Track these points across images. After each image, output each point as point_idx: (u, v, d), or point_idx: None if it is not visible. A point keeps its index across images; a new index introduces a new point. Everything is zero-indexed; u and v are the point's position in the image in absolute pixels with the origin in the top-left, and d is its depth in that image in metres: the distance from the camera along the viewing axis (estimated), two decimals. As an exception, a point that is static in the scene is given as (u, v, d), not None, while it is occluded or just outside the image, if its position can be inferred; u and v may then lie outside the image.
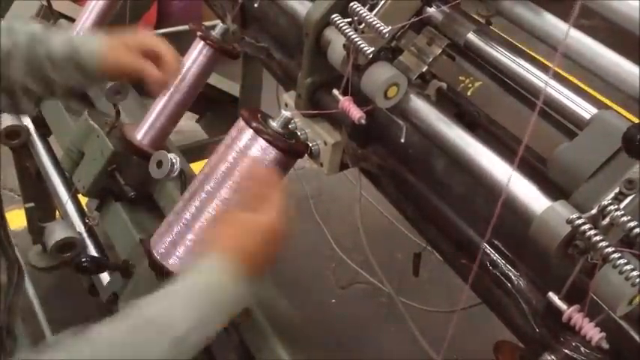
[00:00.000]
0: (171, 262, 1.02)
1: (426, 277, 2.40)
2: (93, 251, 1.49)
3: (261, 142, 1.00)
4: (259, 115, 1.04)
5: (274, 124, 1.03)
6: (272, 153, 1.01)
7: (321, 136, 1.27)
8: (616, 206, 0.69)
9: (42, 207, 2.07)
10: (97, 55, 1.05)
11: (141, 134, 1.42)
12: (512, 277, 0.94)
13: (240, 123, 1.02)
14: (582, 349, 0.82)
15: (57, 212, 2.03)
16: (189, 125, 3.13)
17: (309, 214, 2.24)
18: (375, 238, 1.69)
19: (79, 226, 1.51)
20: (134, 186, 1.40)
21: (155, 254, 1.03)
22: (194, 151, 2.36)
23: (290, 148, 1.02)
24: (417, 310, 1.72)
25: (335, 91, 1.08)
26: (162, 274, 1.03)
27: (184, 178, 1.29)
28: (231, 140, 1.03)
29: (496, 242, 0.98)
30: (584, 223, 0.69)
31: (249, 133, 1.01)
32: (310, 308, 2.46)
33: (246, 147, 1.01)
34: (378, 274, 1.76)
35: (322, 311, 2.45)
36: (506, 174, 0.91)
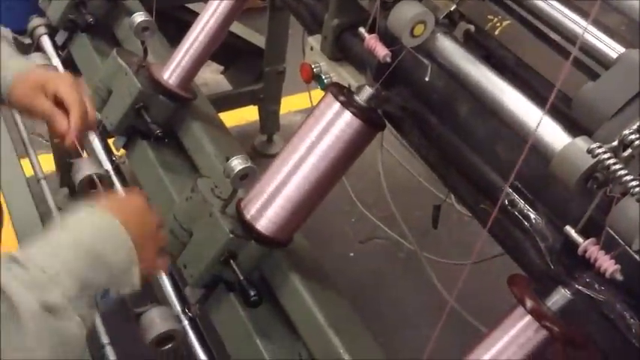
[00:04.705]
0: (262, 224, 1.11)
1: (444, 233, 2.41)
2: (120, 189, 1.51)
3: (347, 115, 1.06)
4: (345, 90, 1.11)
5: (358, 98, 1.08)
6: (356, 125, 1.06)
7: (345, 80, 1.28)
8: (637, 135, 0.69)
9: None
10: (10, 87, 1.09)
11: (167, 74, 1.44)
12: (531, 215, 0.94)
13: (329, 97, 1.08)
14: (596, 285, 0.83)
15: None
16: (214, 78, 3.15)
17: (330, 169, 2.24)
18: (395, 194, 1.70)
19: (106, 164, 1.53)
20: (160, 125, 1.42)
21: (246, 215, 1.11)
22: (219, 102, 2.39)
23: (373, 121, 1.08)
24: (435, 264, 1.73)
25: (361, 29, 1.08)
26: (253, 234, 1.11)
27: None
28: (320, 112, 1.09)
29: (516, 183, 0.99)
30: (604, 152, 0.70)
31: (336, 106, 1.06)
32: (328, 261, 2.49)
33: (333, 119, 1.07)
34: (397, 229, 1.77)
35: (340, 264, 2.49)
36: (531, 114, 0.91)
